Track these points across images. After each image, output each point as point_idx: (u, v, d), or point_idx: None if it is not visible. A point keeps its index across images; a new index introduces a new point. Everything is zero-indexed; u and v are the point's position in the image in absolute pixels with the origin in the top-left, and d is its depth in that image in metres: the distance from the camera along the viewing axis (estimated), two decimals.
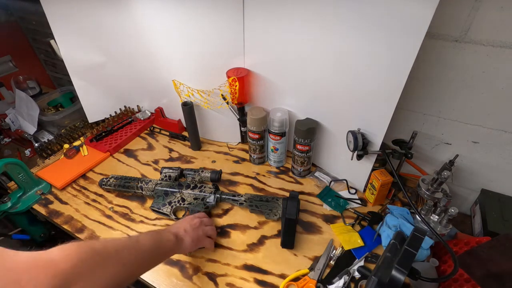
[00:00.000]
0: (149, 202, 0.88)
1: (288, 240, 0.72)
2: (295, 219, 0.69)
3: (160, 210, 0.83)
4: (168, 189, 0.86)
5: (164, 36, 0.88)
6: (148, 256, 0.52)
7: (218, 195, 0.84)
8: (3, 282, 0.28)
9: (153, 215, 0.84)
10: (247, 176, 0.95)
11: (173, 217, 0.81)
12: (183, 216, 0.82)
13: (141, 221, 0.83)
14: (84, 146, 1.06)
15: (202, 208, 0.81)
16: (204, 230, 0.70)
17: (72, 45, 1.01)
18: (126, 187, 0.88)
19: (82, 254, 0.36)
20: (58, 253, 0.34)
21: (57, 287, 0.31)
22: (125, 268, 0.44)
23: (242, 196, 0.83)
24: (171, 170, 0.89)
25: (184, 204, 0.83)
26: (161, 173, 0.90)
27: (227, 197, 0.84)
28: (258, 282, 0.68)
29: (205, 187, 0.86)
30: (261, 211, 0.80)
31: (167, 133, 1.14)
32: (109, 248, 0.42)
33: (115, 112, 1.18)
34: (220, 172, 0.88)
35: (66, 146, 1.03)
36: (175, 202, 0.84)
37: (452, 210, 0.64)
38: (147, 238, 0.53)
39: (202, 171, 0.88)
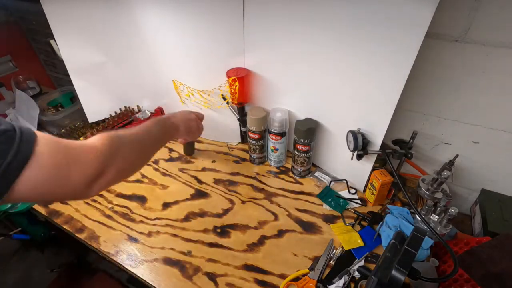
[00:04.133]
0: (149, 202, 0.88)
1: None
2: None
3: None
4: None
5: (164, 36, 0.88)
6: (157, 141, 0.66)
7: None
8: (69, 157, 0.42)
9: (153, 215, 0.84)
10: (247, 176, 0.96)
11: None
12: None
13: (141, 221, 0.83)
14: None
15: None
16: (199, 124, 0.85)
17: (72, 45, 1.01)
18: None
19: (113, 139, 0.49)
20: (97, 141, 0.47)
21: (101, 162, 0.45)
22: (141, 147, 0.58)
23: None
24: None
25: None
26: None
27: None
28: (258, 282, 0.68)
29: None
30: None
31: None
32: (129, 134, 0.56)
33: (115, 112, 1.18)
34: None
35: None
36: None
37: (452, 210, 0.64)
38: (156, 127, 0.66)
39: None
